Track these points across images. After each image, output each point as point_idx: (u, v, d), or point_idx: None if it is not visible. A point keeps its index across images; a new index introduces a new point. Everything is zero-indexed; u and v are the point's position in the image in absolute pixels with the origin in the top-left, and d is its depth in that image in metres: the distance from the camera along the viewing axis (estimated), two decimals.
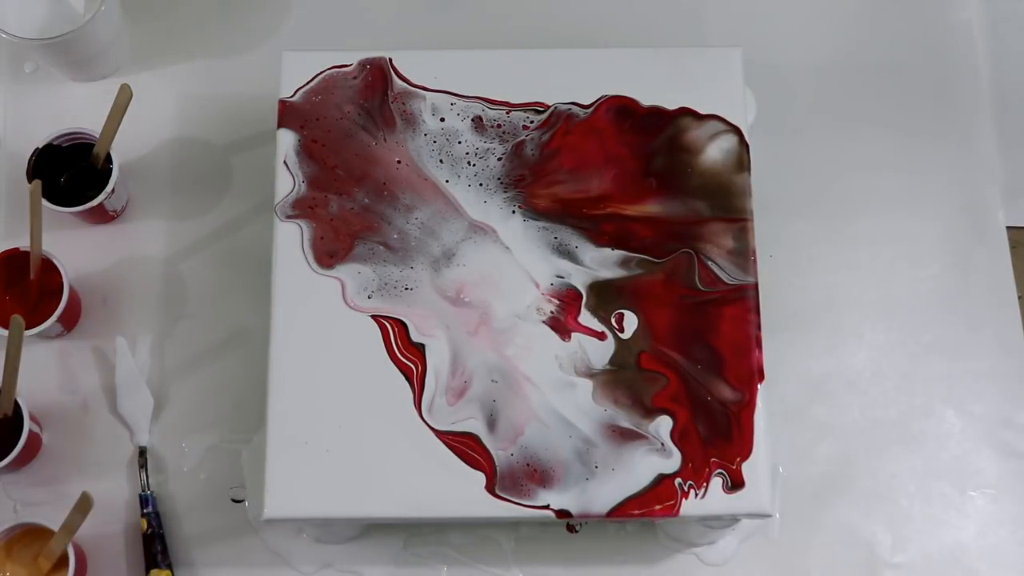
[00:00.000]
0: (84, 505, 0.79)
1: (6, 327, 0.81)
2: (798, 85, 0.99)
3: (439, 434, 0.77)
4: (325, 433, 0.77)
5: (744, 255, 0.81)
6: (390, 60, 0.85)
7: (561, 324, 0.80)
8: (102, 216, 0.92)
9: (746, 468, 0.77)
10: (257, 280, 0.86)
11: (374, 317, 0.80)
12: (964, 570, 0.88)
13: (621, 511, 0.76)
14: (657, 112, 0.84)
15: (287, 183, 0.82)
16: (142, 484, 0.88)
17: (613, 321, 0.79)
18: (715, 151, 0.83)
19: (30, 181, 0.87)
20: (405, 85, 0.84)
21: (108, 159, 0.89)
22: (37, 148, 0.89)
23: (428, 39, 0.99)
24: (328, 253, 0.81)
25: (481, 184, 0.82)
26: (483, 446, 0.77)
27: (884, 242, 0.95)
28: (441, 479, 0.76)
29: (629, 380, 0.78)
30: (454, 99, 0.84)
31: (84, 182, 0.89)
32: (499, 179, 0.83)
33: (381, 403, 0.78)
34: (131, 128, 0.90)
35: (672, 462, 0.77)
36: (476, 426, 0.77)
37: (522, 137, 0.83)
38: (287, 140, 0.83)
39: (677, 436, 0.77)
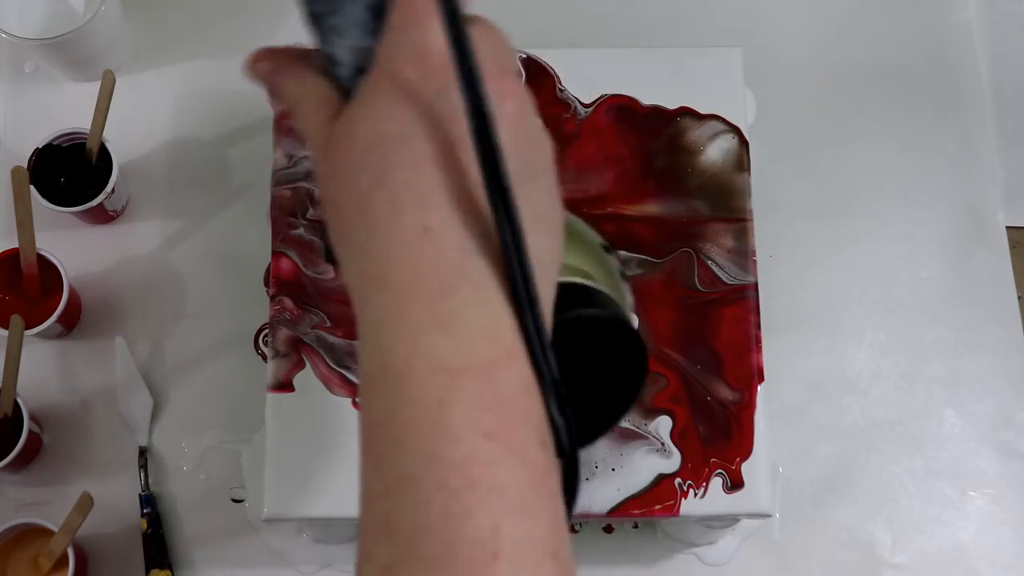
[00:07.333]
0: (84, 505, 0.79)
1: (6, 327, 0.81)
2: (798, 85, 0.99)
3: None
4: (325, 433, 0.77)
5: (744, 255, 0.80)
6: None
7: None
8: (102, 216, 0.92)
9: (746, 468, 0.76)
10: (257, 280, 0.86)
11: None
12: (964, 570, 0.88)
13: (621, 511, 0.76)
14: (657, 112, 0.83)
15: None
16: (142, 484, 0.88)
17: None
18: (715, 151, 0.83)
19: (31, 181, 0.86)
20: None
21: (104, 156, 0.88)
22: (37, 148, 0.89)
23: None
24: (328, 252, 0.80)
25: None
26: None
27: (884, 242, 0.95)
28: None
29: None
30: None
31: (84, 182, 0.89)
32: None
33: None
34: (131, 128, 0.89)
35: (672, 462, 0.77)
36: None
37: None
38: (287, 140, 0.83)
39: (677, 436, 0.77)
